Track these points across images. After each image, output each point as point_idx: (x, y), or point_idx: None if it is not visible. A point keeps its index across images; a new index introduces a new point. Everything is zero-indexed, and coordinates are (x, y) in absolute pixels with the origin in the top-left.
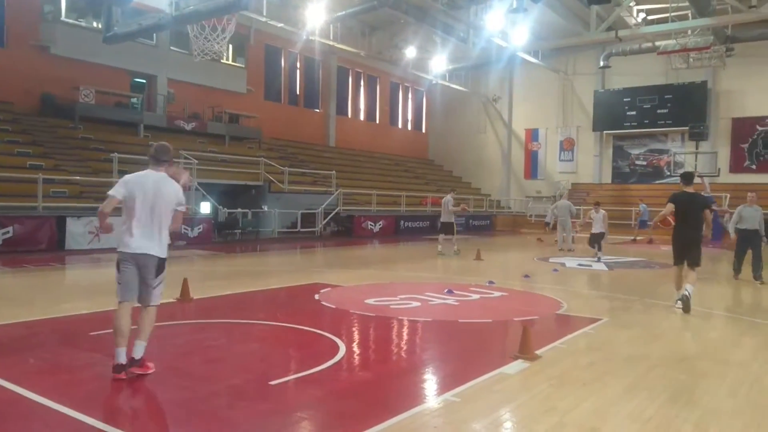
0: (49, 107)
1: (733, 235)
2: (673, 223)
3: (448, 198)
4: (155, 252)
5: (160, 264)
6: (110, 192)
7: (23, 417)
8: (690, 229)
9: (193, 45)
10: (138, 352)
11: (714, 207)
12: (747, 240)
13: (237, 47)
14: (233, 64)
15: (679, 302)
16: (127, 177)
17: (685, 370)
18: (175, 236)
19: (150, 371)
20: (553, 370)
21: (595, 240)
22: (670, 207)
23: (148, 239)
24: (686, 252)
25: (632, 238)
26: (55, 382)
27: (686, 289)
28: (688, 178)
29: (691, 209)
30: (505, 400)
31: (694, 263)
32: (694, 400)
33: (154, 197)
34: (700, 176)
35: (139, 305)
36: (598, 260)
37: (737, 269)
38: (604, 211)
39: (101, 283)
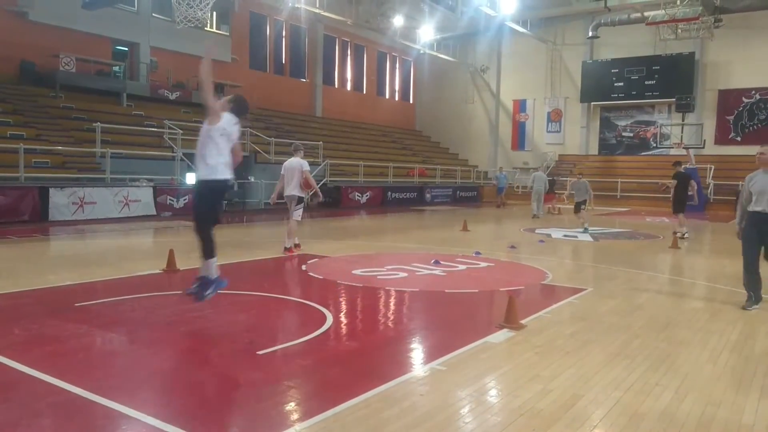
0: (29, 75)
1: (739, 228)
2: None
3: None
4: (296, 193)
5: (299, 200)
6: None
7: (9, 387)
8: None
9: (175, 12)
10: (288, 244)
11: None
12: (758, 230)
13: (221, 14)
14: (217, 31)
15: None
16: (285, 163)
17: (666, 338)
18: (306, 185)
19: (293, 253)
20: (537, 339)
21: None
22: (674, 182)
23: (291, 189)
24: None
25: (500, 205)
26: (41, 352)
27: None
28: (677, 164)
29: (682, 182)
30: (490, 369)
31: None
32: (675, 368)
33: (291, 169)
34: (686, 148)
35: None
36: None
37: (751, 285)
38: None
39: (86, 254)
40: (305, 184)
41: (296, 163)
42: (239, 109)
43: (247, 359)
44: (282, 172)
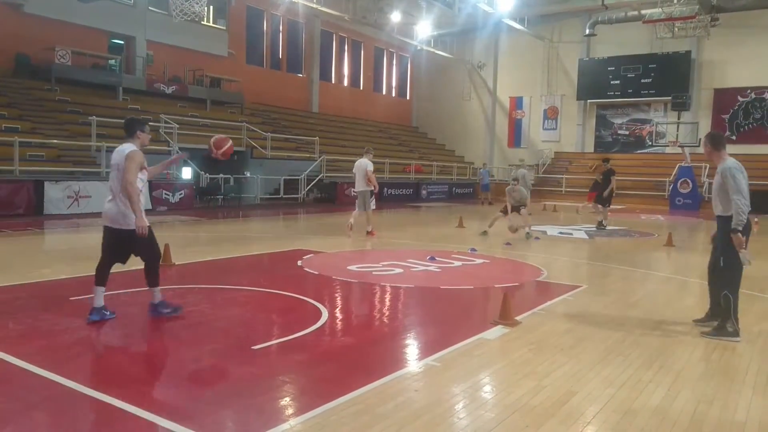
0: (24, 68)
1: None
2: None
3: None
4: (363, 189)
5: (371, 193)
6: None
7: (3, 380)
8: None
9: (171, 5)
10: (369, 227)
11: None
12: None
13: (218, 9)
14: (214, 26)
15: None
16: (355, 163)
17: (660, 335)
18: (369, 182)
19: (375, 235)
20: (532, 336)
21: None
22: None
23: (360, 185)
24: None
25: (483, 202)
26: (35, 346)
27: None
28: (606, 161)
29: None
30: (484, 365)
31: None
32: (668, 365)
33: (359, 169)
34: (681, 146)
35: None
36: None
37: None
38: None
39: (81, 248)
40: (369, 181)
41: (363, 163)
42: (126, 128)
43: (242, 354)
44: (353, 171)
